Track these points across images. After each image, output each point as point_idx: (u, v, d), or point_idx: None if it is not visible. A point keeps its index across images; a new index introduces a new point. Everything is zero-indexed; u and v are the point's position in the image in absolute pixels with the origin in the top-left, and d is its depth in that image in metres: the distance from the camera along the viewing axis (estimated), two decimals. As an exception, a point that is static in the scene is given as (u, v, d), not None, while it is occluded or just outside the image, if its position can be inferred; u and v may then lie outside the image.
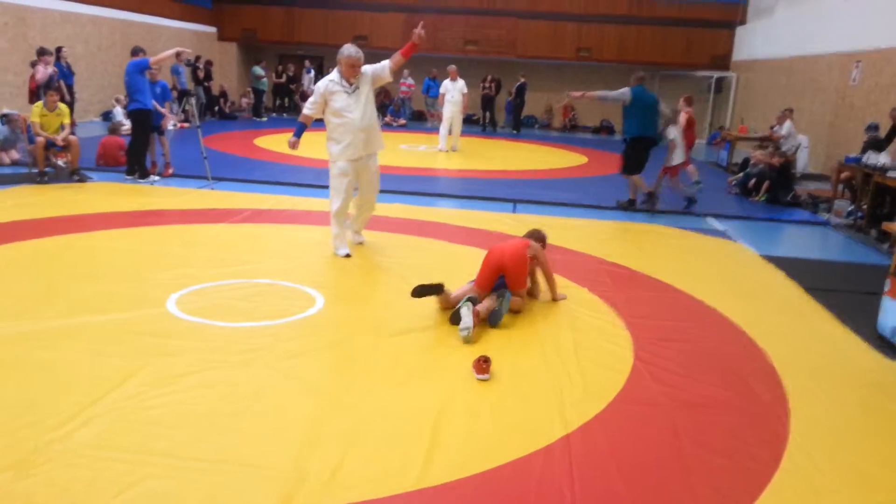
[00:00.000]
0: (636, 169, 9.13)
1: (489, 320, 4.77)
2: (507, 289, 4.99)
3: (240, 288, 5.24)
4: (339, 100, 6.03)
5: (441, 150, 14.39)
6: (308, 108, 6.20)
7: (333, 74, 6.10)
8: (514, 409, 3.63)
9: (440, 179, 10.32)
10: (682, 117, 10.94)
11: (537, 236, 5.52)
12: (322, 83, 6.11)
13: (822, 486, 3.10)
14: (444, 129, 14.44)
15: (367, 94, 6.13)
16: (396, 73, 6.59)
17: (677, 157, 9.49)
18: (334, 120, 6.10)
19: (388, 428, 3.36)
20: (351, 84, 6.05)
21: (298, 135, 6.21)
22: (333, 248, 6.36)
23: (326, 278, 5.59)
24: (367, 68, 6.17)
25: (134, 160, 9.47)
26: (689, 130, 11.10)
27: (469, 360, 4.07)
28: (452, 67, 14.75)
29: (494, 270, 5.02)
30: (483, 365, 3.94)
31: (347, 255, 6.27)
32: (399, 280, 5.64)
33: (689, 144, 10.99)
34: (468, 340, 4.45)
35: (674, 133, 9.45)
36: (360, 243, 6.67)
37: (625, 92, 8.89)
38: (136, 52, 9.55)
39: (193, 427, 3.24)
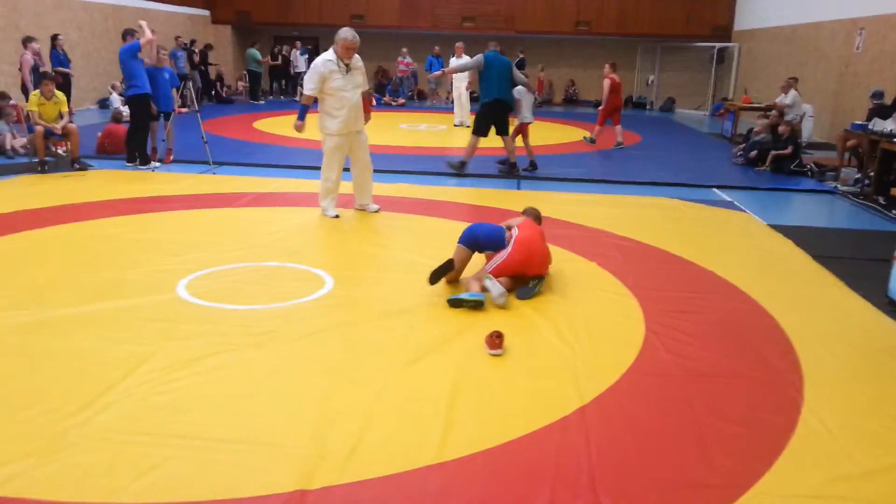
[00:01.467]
0: (483, 131, 9.33)
1: (519, 295, 4.83)
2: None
3: (248, 271, 5.24)
4: (336, 79, 6.53)
5: (456, 125, 14.91)
6: (308, 90, 6.64)
7: (329, 54, 6.54)
8: (527, 383, 3.64)
9: (442, 158, 10.25)
10: (606, 83, 12.27)
11: (535, 215, 5.50)
12: (321, 64, 6.52)
13: (836, 451, 3.11)
14: (456, 105, 15.18)
15: (358, 79, 6.71)
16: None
17: (527, 117, 9.75)
18: (330, 98, 6.59)
19: (404, 405, 3.37)
20: (346, 65, 6.55)
21: (302, 117, 6.74)
22: (322, 211, 6.93)
23: (334, 259, 5.58)
24: (361, 62, 6.78)
25: (134, 147, 9.41)
26: (614, 95, 12.30)
27: (481, 337, 4.07)
28: (460, 44, 14.83)
29: (525, 268, 4.99)
30: (496, 340, 3.94)
31: (336, 216, 6.84)
32: (407, 259, 5.63)
33: (615, 108, 12.41)
34: (504, 305, 4.63)
35: (521, 93, 9.63)
36: (377, 211, 7.09)
37: (479, 59, 9.20)
38: (125, 35, 9.38)
39: (210, 409, 3.25)
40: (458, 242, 5.05)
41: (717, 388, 3.65)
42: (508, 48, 20.85)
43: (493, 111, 9.22)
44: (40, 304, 4.47)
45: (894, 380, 3.86)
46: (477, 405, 3.39)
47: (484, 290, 4.74)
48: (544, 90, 22.22)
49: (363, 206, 7.15)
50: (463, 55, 14.47)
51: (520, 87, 9.53)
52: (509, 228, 5.14)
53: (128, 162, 9.44)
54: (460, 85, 14.88)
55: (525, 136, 9.85)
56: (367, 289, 5.02)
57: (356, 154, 6.95)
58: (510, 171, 9.57)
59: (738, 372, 3.86)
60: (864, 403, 3.56)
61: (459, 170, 9.44)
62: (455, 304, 4.62)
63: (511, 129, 9.57)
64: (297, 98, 21.00)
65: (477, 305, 4.58)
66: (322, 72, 6.49)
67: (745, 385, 3.71)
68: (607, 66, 12.50)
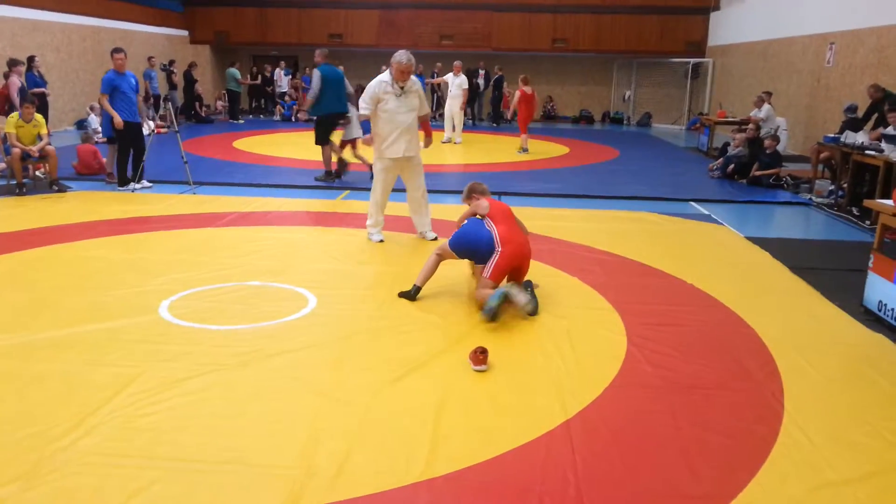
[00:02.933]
0: (324, 140, 9.92)
1: (531, 312, 4.89)
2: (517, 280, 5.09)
3: (231, 291, 5.23)
4: (389, 101, 6.44)
5: (443, 142, 15.09)
6: (362, 110, 6.60)
7: (385, 76, 6.50)
8: (513, 398, 3.67)
9: (429, 175, 10.30)
10: (517, 94, 13.65)
11: (484, 190, 5.50)
12: (375, 84, 6.50)
13: (817, 460, 3.16)
14: (447, 122, 15.52)
15: (413, 102, 6.55)
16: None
17: (355, 132, 10.16)
18: (382, 120, 6.49)
19: (390, 422, 3.38)
20: (401, 87, 6.44)
21: (367, 131, 6.82)
22: (368, 235, 6.82)
23: (317, 278, 5.59)
24: (419, 85, 6.67)
25: (122, 169, 9.31)
26: (525, 105, 13.56)
27: (466, 353, 4.09)
28: (458, 63, 15.16)
29: (520, 259, 5.08)
30: (480, 356, 3.97)
31: (381, 241, 6.73)
32: (389, 277, 5.65)
33: (527, 118, 13.66)
34: (534, 312, 4.82)
35: (353, 111, 9.98)
36: (434, 239, 6.80)
37: (316, 77, 9.69)
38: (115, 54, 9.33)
39: (196, 430, 3.24)
40: (450, 246, 5.10)
41: (699, 399, 3.71)
42: (487, 66, 21.12)
43: (329, 121, 9.86)
44: (23, 327, 4.43)
45: (872, 388, 3.94)
46: (463, 421, 3.42)
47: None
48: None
49: (422, 233, 6.91)
50: (461, 74, 14.88)
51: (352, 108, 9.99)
52: (483, 218, 5.19)
53: (120, 185, 9.33)
54: (454, 104, 15.17)
55: (354, 149, 10.31)
56: (351, 306, 5.03)
57: (410, 180, 6.75)
58: (326, 178, 10.02)
59: (720, 383, 3.92)
60: (843, 412, 3.63)
61: (327, 179, 9.95)
62: (494, 316, 4.66)
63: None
64: (276, 117, 21.07)
65: (505, 299, 4.66)
66: (375, 93, 6.42)
67: (726, 396, 3.76)
68: (520, 79, 13.74)
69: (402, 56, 6.36)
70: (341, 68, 10.40)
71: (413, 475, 2.93)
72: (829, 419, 3.54)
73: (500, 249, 4.96)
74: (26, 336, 4.28)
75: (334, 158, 10.22)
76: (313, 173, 10.29)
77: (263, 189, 9.53)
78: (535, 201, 9.10)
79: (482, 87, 20.69)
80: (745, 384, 3.91)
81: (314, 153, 10.48)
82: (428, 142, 7.03)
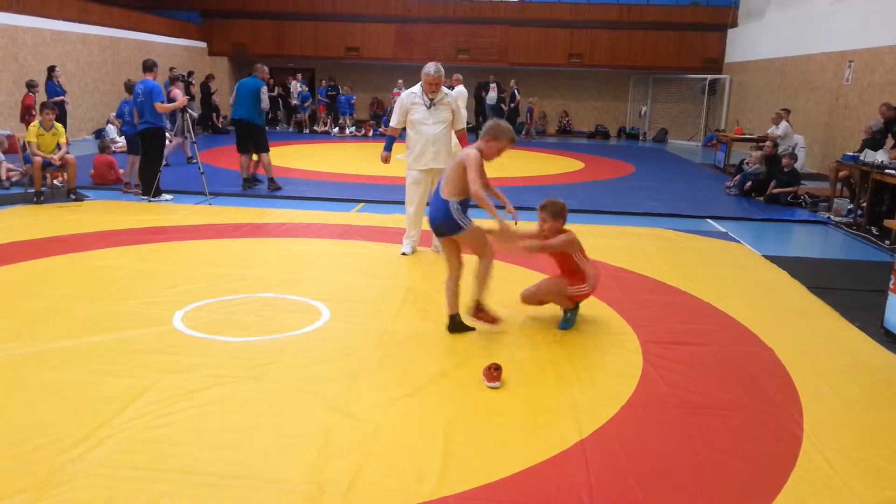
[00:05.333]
0: (243, 149, 10.25)
1: (560, 326, 4.87)
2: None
3: (245, 303, 5.22)
4: (418, 112, 6.48)
5: None
6: (393, 122, 6.70)
7: (416, 88, 6.53)
8: (526, 416, 3.62)
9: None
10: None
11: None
12: (404, 96, 6.57)
13: (837, 484, 3.09)
14: None
15: (443, 114, 6.52)
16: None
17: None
18: (410, 130, 6.55)
19: (402, 438, 3.35)
20: (430, 99, 6.46)
21: (388, 148, 6.76)
22: (402, 247, 6.85)
23: (331, 291, 5.58)
24: (454, 97, 6.63)
25: (150, 179, 9.36)
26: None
27: (479, 369, 4.05)
28: (458, 76, 15.02)
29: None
30: (494, 373, 3.93)
31: (404, 254, 6.73)
32: (402, 291, 5.63)
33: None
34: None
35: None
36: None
37: (236, 89, 10.33)
38: (150, 67, 9.44)
39: (207, 443, 3.22)
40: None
41: (716, 420, 3.64)
42: (502, 79, 21.16)
43: (245, 130, 10.13)
44: (36, 336, 4.44)
45: (893, 411, 3.86)
46: (476, 438, 3.38)
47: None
48: (535, 121, 22.41)
49: (436, 247, 6.67)
50: (460, 86, 14.64)
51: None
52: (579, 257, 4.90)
53: (143, 195, 9.39)
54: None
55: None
56: (364, 320, 5.01)
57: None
58: (245, 185, 10.29)
59: (737, 404, 3.85)
60: (863, 435, 3.56)
61: (245, 187, 10.21)
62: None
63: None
64: (291, 128, 21.22)
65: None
66: (404, 103, 6.52)
67: (744, 417, 3.70)
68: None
69: (430, 67, 6.37)
70: (271, 82, 10.74)
71: (424, 493, 2.89)
72: (849, 443, 3.47)
73: (591, 289, 4.91)
74: (38, 345, 4.29)
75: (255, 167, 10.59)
76: (328, 185, 10.32)
77: (279, 200, 9.55)
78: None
79: (494, 101, 20.49)
80: (763, 406, 3.84)
81: (329, 165, 10.50)
82: None
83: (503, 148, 4.53)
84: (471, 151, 4.49)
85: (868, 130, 10.47)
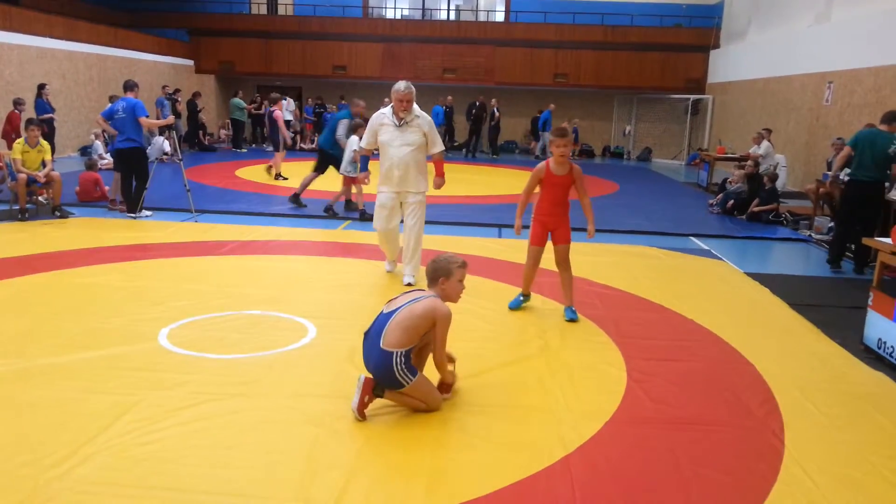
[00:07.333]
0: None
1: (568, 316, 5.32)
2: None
3: (230, 320, 5.22)
4: (386, 132, 6.26)
5: None
6: (364, 142, 6.57)
7: (387, 108, 6.35)
8: (511, 432, 3.64)
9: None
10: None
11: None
12: (374, 116, 6.41)
13: (818, 499, 3.14)
14: None
15: (412, 137, 6.22)
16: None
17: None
18: (380, 151, 6.37)
19: (388, 455, 3.36)
20: (400, 119, 6.21)
21: (364, 168, 6.81)
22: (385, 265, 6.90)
23: (317, 308, 5.59)
24: (427, 121, 6.32)
25: (136, 198, 9.34)
26: None
27: (465, 385, 4.07)
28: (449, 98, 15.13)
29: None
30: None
31: (389, 271, 6.76)
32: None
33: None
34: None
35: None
36: (408, 284, 6.17)
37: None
38: (131, 87, 9.47)
39: (193, 460, 3.22)
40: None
41: (699, 435, 3.68)
42: (487, 98, 21.33)
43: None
44: (21, 353, 4.41)
45: (873, 427, 3.91)
46: (462, 455, 3.39)
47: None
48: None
49: (403, 272, 6.47)
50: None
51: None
52: None
53: (128, 212, 9.38)
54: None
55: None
56: (351, 337, 4.99)
57: (405, 218, 6.44)
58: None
59: (720, 420, 3.90)
60: (844, 450, 3.61)
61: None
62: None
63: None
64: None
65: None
66: (372, 123, 6.33)
67: (727, 433, 3.74)
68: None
69: (400, 85, 6.10)
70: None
71: (411, 509, 2.91)
72: (830, 458, 3.51)
73: None
74: (23, 362, 4.26)
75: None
76: (316, 203, 10.33)
77: (264, 218, 9.56)
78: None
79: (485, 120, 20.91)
80: (745, 421, 3.89)
81: (316, 183, 10.51)
82: (438, 182, 6.56)
83: (461, 277, 3.97)
84: (442, 308, 3.78)
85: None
